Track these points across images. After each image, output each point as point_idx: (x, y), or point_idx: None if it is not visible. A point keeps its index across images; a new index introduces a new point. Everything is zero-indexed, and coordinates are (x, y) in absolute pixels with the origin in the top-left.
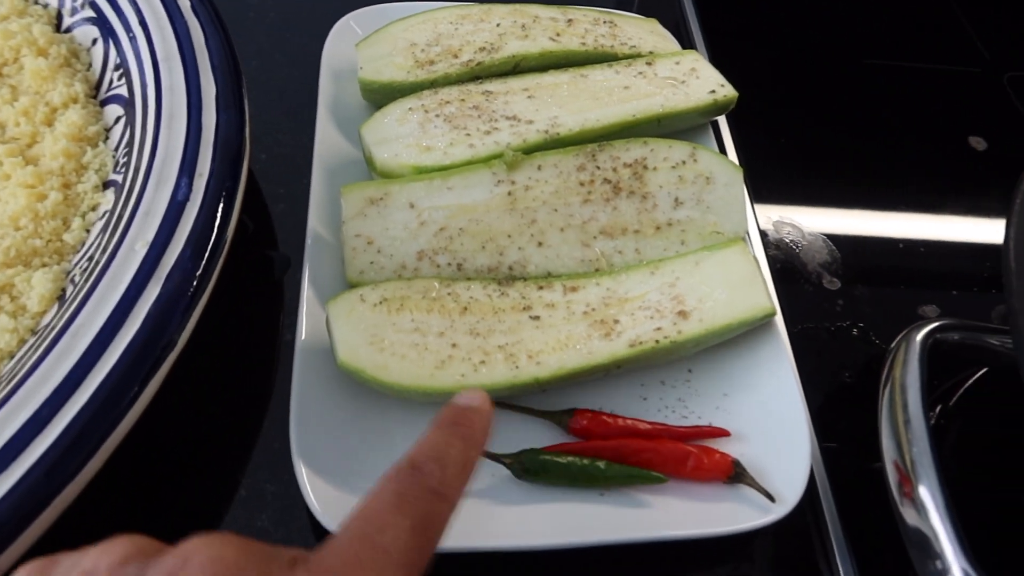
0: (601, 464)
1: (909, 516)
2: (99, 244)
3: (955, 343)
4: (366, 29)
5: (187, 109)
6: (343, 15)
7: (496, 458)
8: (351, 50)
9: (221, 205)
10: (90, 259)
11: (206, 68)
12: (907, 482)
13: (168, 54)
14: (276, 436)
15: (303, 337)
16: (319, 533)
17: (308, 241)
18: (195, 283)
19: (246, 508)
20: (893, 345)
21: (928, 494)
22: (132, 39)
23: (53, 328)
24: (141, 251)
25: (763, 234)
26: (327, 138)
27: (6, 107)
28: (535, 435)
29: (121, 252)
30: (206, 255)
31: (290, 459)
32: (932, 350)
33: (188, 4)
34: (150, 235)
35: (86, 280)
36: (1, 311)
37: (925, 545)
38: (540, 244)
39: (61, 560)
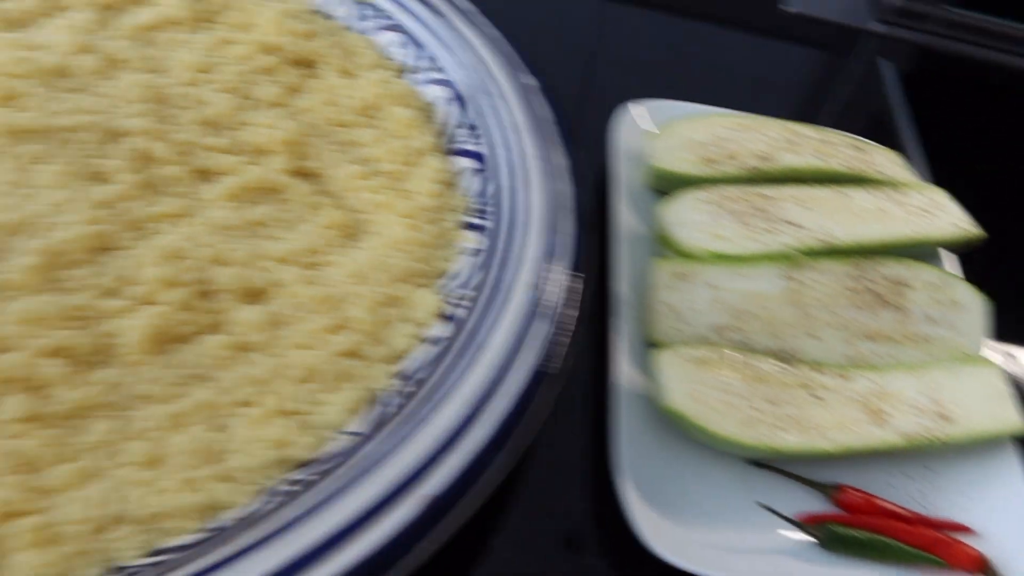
0: (901, 544)
1: None
2: (475, 277)
3: None
4: (645, 117)
5: (546, 177)
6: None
7: (806, 529)
8: (630, 135)
9: (579, 259)
10: (472, 288)
11: (555, 144)
12: None
13: (523, 126)
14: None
15: (619, 380)
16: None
17: (614, 300)
18: (569, 322)
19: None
20: None
21: None
22: (486, 107)
23: (450, 345)
24: (527, 291)
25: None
26: (621, 211)
27: (379, 144)
28: (797, 501)
29: (514, 290)
30: (576, 298)
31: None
32: None
33: (533, 84)
34: (531, 277)
35: (472, 307)
36: (400, 319)
37: None
38: (814, 337)
39: None
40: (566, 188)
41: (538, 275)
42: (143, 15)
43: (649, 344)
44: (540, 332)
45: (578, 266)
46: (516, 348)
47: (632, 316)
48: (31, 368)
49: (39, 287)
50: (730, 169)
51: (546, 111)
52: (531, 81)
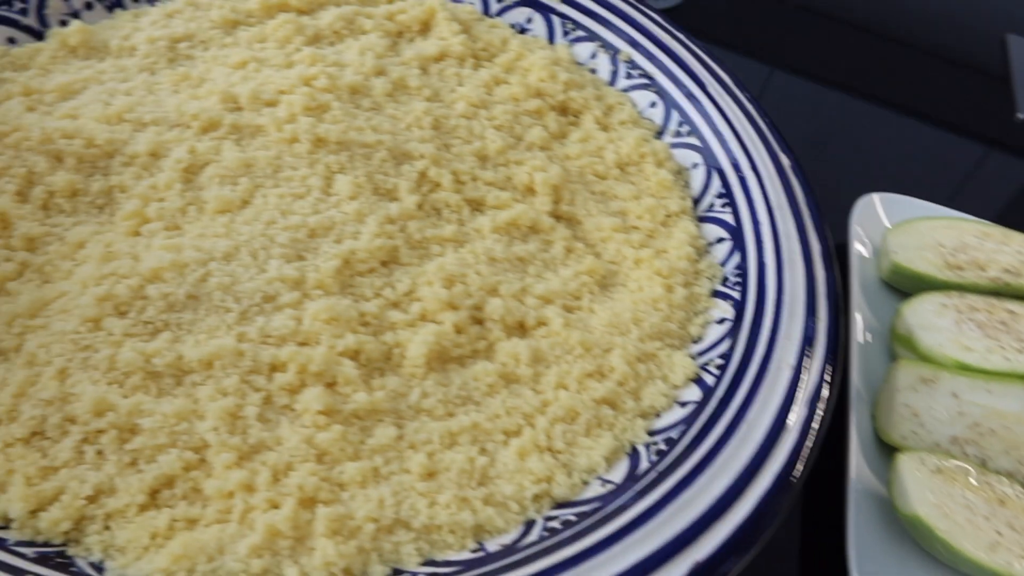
0: None
1: None
2: (729, 348)
3: None
4: (885, 209)
5: (802, 258)
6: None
7: None
8: (868, 225)
9: (835, 347)
10: (722, 357)
11: (810, 226)
12: None
13: (779, 204)
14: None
15: (853, 475)
16: None
17: (851, 393)
18: (824, 408)
19: None
20: None
21: None
22: (741, 180)
23: (699, 410)
24: (787, 372)
25: None
26: (858, 302)
27: (634, 201)
28: None
29: (770, 369)
30: (830, 389)
31: None
32: None
33: (788, 163)
34: (792, 359)
35: (721, 375)
36: (655, 376)
37: None
38: None
39: None
40: (822, 272)
41: (798, 358)
42: (428, 47)
43: (882, 442)
44: (800, 415)
45: (834, 353)
46: (778, 428)
47: (866, 411)
48: (331, 365)
49: (337, 289)
50: (976, 278)
51: (802, 190)
52: (787, 159)
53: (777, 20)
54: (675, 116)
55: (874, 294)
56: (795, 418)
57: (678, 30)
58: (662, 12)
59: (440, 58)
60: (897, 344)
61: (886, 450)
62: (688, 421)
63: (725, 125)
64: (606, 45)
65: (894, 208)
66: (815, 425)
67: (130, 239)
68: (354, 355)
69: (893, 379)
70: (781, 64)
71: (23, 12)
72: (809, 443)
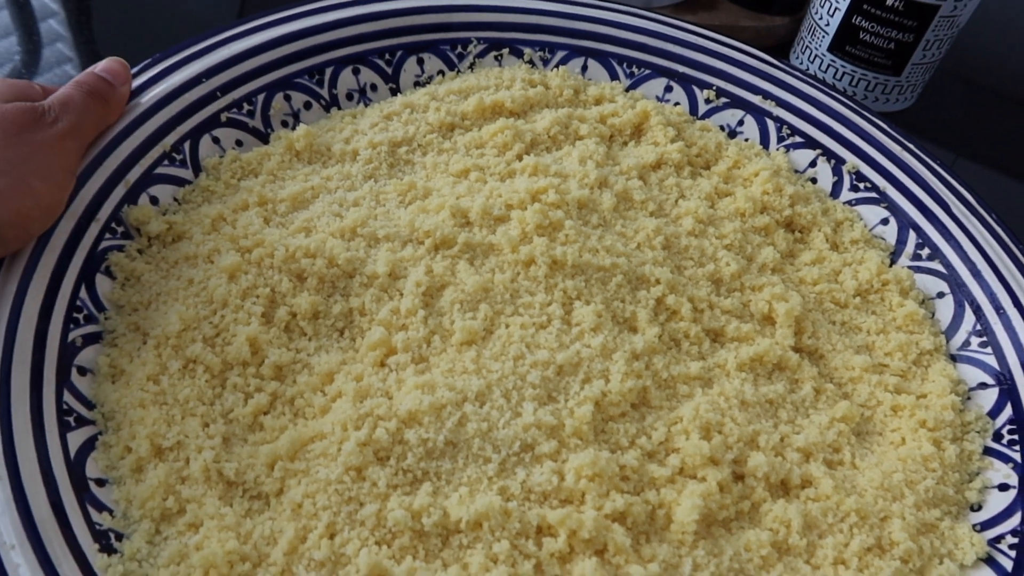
0: None
1: None
2: (1012, 518)
3: None
4: None
5: None
6: None
7: None
8: None
9: None
10: (1015, 535)
11: None
12: None
13: None
14: None
15: None
16: None
17: None
18: None
19: None
20: None
21: None
22: (1002, 316)
23: None
24: None
25: None
26: None
27: (881, 335)
28: None
29: None
30: None
31: None
32: None
33: None
34: None
35: (1018, 556)
36: (941, 554)
37: None
38: None
39: None
40: None
41: None
42: (646, 154)
43: None
44: None
45: None
46: None
47: None
48: (601, 531)
49: (593, 437)
50: None
51: None
52: None
53: (1004, 120)
54: (912, 236)
55: None
56: None
57: (909, 140)
58: (885, 118)
59: (658, 166)
60: None
61: None
62: None
63: (975, 250)
64: (828, 153)
65: None
66: None
67: (379, 371)
68: (621, 518)
69: None
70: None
71: (250, 115)
72: None
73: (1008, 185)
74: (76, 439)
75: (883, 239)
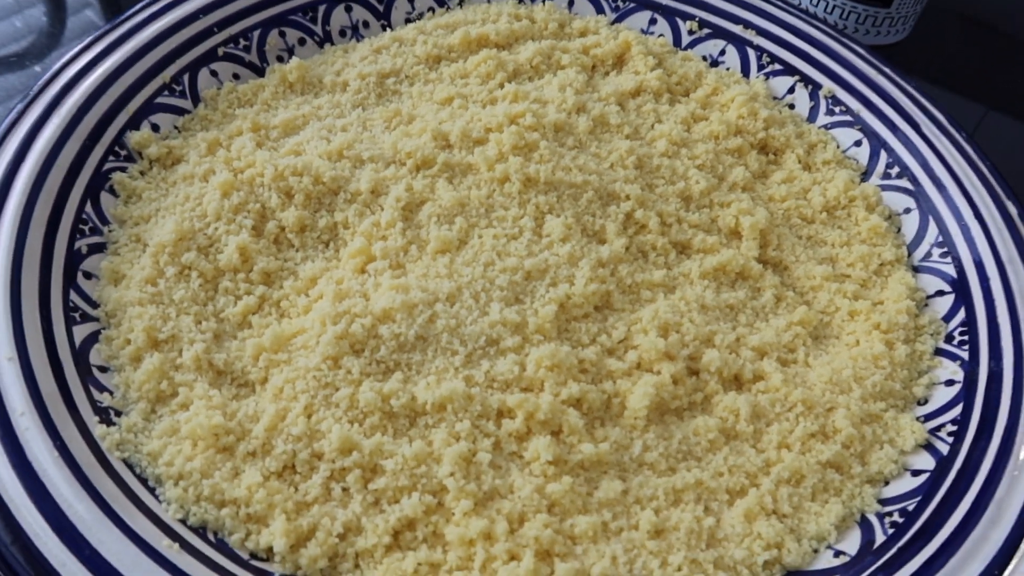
0: None
1: None
2: (961, 413)
3: None
4: None
5: None
6: None
7: None
8: None
9: None
10: (955, 423)
11: None
12: None
13: (1009, 257)
14: None
15: None
16: None
17: None
18: None
19: None
20: None
21: None
22: (963, 229)
23: (935, 481)
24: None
25: None
26: None
27: (845, 247)
28: None
29: (1016, 439)
30: None
31: None
32: None
33: (1016, 212)
34: None
35: (957, 444)
36: (881, 440)
37: None
38: None
39: None
40: None
41: None
42: (625, 82)
43: None
44: None
45: None
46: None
47: None
48: (557, 414)
49: (556, 334)
50: None
51: None
52: (1014, 207)
53: (994, 56)
54: (883, 156)
55: None
56: None
57: (885, 65)
58: (868, 47)
59: (637, 93)
60: None
61: None
62: (923, 493)
63: (942, 168)
64: (806, 79)
65: None
66: None
67: (358, 277)
68: (577, 404)
69: None
70: (996, 104)
71: (247, 50)
72: None
73: (1000, 121)
74: (81, 332)
75: (856, 160)
